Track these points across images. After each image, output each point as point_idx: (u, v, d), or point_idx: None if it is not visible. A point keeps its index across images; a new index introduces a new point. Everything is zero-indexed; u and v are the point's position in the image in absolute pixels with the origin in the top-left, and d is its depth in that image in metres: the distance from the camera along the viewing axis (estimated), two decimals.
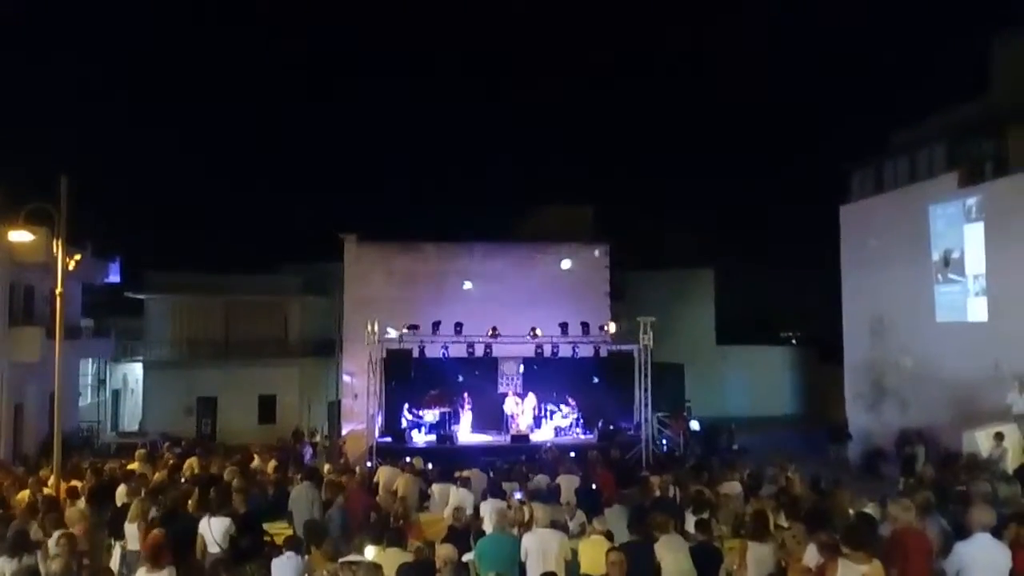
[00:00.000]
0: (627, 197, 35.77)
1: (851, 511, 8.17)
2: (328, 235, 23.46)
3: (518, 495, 9.66)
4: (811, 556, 6.48)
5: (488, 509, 8.89)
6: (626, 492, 10.41)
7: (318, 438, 22.02)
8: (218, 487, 9.30)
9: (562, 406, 19.49)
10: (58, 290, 11.72)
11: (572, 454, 15.39)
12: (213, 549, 7.76)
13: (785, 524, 7.97)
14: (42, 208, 11.83)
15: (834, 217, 21.99)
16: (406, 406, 19.17)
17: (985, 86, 18.82)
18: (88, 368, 25.93)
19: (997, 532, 6.23)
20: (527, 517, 8.43)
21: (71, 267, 13.12)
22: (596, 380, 19.85)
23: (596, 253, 23.30)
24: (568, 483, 11.27)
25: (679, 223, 33.05)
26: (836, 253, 21.86)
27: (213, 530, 7.82)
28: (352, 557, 6.66)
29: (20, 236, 12.71)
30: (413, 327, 18.61)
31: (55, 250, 11.96)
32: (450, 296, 21.91)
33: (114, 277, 24.72)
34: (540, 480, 11.43)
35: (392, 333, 18.78)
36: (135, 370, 27.46)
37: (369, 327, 17.86)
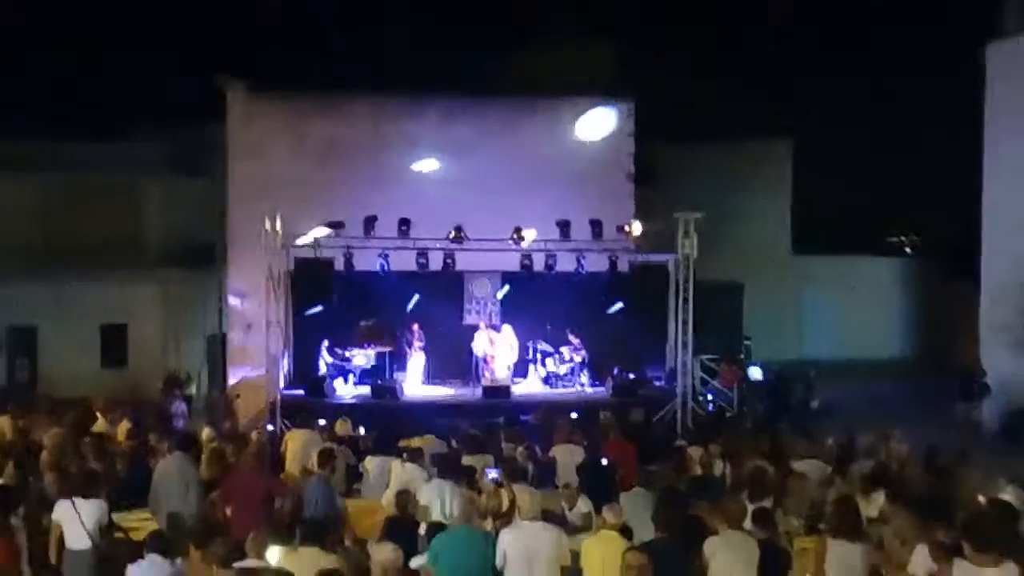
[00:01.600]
0: (663, 32, 35.04)
1: (981, 498, 8.43)
2: (203, 83, 22.94)
3: (492, 473, 9.83)
4: (921, 561, 6.71)
5: (435, 493, 9.08)
6: (652, 469, 10.64)
7: (193, 389, 22.18)
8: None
9: (561, 347, 19.69)
10: None
11: (574, 415, 15.64)
12: (80, 545, 8.07)
13: (885, 516, 8.22)
14: None
15: (975, 61, 21.80)
16: (325, 344, 19.27)
17: None
18: None
19: None
20: (505, 505, 8.61)
21: None
22: (612, 307, 20.01)
23: (616, 114, 23.08)
24: (567, 457, 11.52)
25: (740, 72, 32.64)
26: (976, 116, 21.78)
27: (83, 516, 8.20)
28: (249, 562, 6.80)
29: None
30: (335, 225, 18.49)
31: None
32: (392, 178, 21.72)
33: None
34: (525, 453, 11.64)
35: (304, 235, 18.66)
36: None
37: (267, 225, 17.71)
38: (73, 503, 8.31)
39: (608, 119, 23.00)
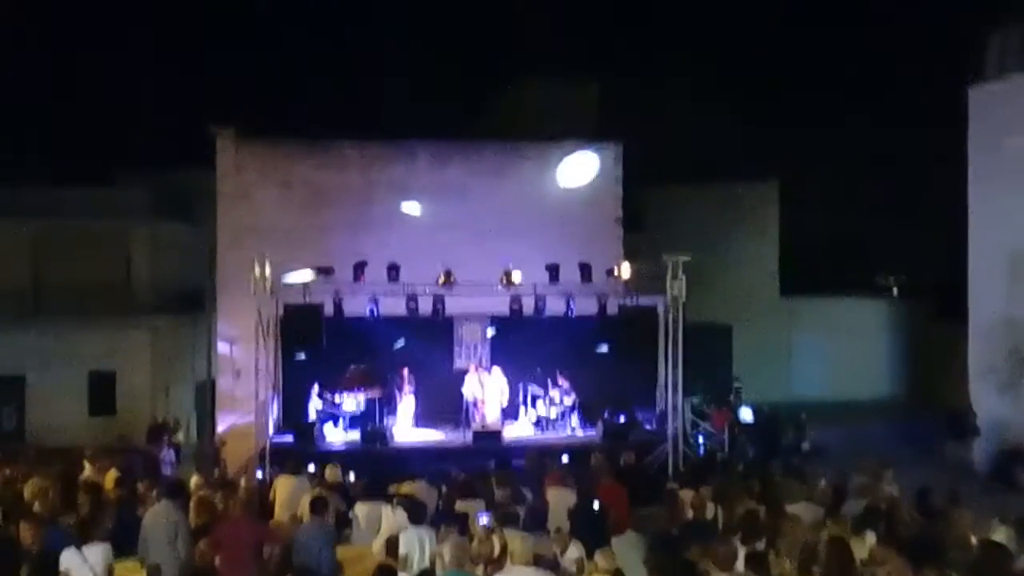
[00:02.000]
0: (650, 69, 35.33)
1: (974, 539, 8.42)
2: (192, 128, 23.06)
3: (484, 519, 9.79)
4: None
5: (413, 542, 9.03)
6: (644, 513, 10.59)
7: (181, 436, 22.07)
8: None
9: (551, 389, 19.67)
10: None
11: (565, 458, 15.58)
12: None
13: (876, 557, 8.19)
14: None
15: (959, 104, 22.07)
16: (315, 389, 19.21)
17: None
18: None
19: None
20: (497, 551, 8.57)
21: None
22: (602, 349, 20.01)
23: (603, 158, 23.23)
24: (559, 501, 11.46)
25: (729, 112, 32.93)
26: (960, 157, 22.01)
27: (92, 562, 8.36)
28: None
29: None
30: (324, 271, 18.50)
31: None
32: (381, 223, 21.80)
33: None
34: (509, 495, 11.58)
35: (293, 279, 18.66)
36: None
37: (257, 270, 17.70)
38: (79, 550, 8.41)
39: (596, 163, 23.13)
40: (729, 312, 27.41)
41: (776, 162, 31.75)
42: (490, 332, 20.87)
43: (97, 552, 8.52)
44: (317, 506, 9.79)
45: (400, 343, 19.73)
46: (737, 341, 27.26)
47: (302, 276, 18.32)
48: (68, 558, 8.43)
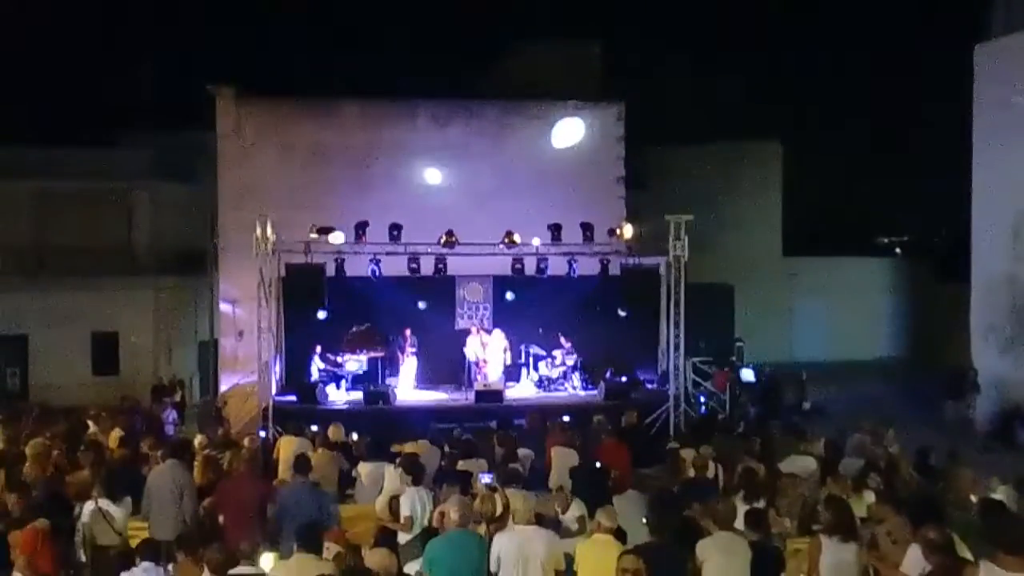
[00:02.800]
0: (652, 28, 35.08)
1: (973, 497, 8.46)
2: (192, 88, 22.95)
3: (486, 478, 9.84)
4: (913, 561, 6.73)
5: (411, 502, 9.12)
6: (646, 472, 10.68)
7: (184, 396, 22.17)
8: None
9: (554, 351, 19.70)
10: None
11: (566, 418, 15.64)
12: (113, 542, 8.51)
13: (875, 515, 8.25)
14: None
15: (964, 62, 21.91)
16: (318, 349, 19.24)
17: None
18: None
19: None
20: (499, 510, 8.61)
21: None
22: (602, 310, 20.02)
23: (605, 116, 23.12)
24: (561, 460, 11.54)
25: (730, 74, 32.72)
26: (965, 117, 21.89)
27: (114, 517, 8.78)
28: (243, 569, 6.78)
29: None
30: (325, 231, 18.46)
31: None
32: (382, 183, 21.74)
33: None
34: (519, 456, 11.65)
35: (293, 240, 18.63)
36: None
37: (258, 231, 17.66)
38: (99, 506, 8.78)
39: (598, 122, 23.02)
40: (731, 272, 27.36)
41: (779, 121, 31.63)
42: (489, 294, 20.85)
43: (122, 509, 8.88)
44: (300, 465, 9.74)
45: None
46: (739, 301, 27.23)
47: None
48: (90, 512, 8.68)
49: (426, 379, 19.86)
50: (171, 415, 18.31)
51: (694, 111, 30.33)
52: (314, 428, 13.78)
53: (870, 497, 9.07)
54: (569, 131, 22.81)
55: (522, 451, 12.15)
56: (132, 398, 19.73)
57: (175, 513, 9.32)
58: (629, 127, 23.30)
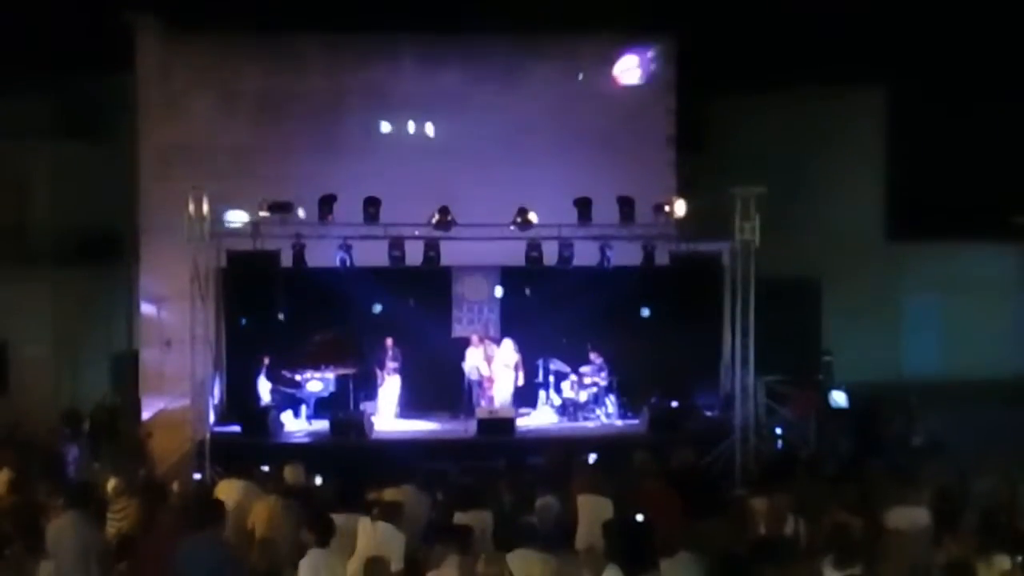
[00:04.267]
0: None
1: None
2: (106, 20, 22.94)
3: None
4: None
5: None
6: (704, 527, 10.66)
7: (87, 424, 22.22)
8: None
9: (581, 367, 19.73)
10: None
11: (595, 456, 15.68)
12: None
13: None
14: None
15: None
16: (269, 364, 19.30)
17: None
18: None
19: None
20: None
21: None
22: (647, 313, 20.04)
23: (649, 58, 23.12)
24: (590, 511, 11.55)
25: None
26: None
27: None
28: None
29: None
30: (280, 207, 18.53)
31: None
32: (356, 144, 21.82)
33: None
34: (536, 507, 11.67)
35: (238, 218, 18.70)
36: None
37: (191, 207, 17.74)
38: None
39: (642, 63, 23.01)
40: (818, 263, 27.27)
41: (882, 61, 31.47)
42: (496, 291, 20.86)
43: None
44: (206, 515, 9.63)
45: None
46: (828, 301, 27.13)
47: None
48: None
49: (413, 404, 19.96)
50: (72, 451, 18.29)
51: (767, 47, 30.22)
52: (265, 468, 13.81)
53: (1003, 563, 9.06)
54: (601, 75, 22.79)
55: (541, 500, 12.18)
56: (24, 429, 19.76)
57: None
58: (682, 69, 23.31)
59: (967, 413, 23.65)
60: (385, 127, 22.18)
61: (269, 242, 18.64)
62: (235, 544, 10.68)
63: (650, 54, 23.04)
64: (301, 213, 18.19)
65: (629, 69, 22.83)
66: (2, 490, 12.81)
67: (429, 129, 22.18)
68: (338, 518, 11.04)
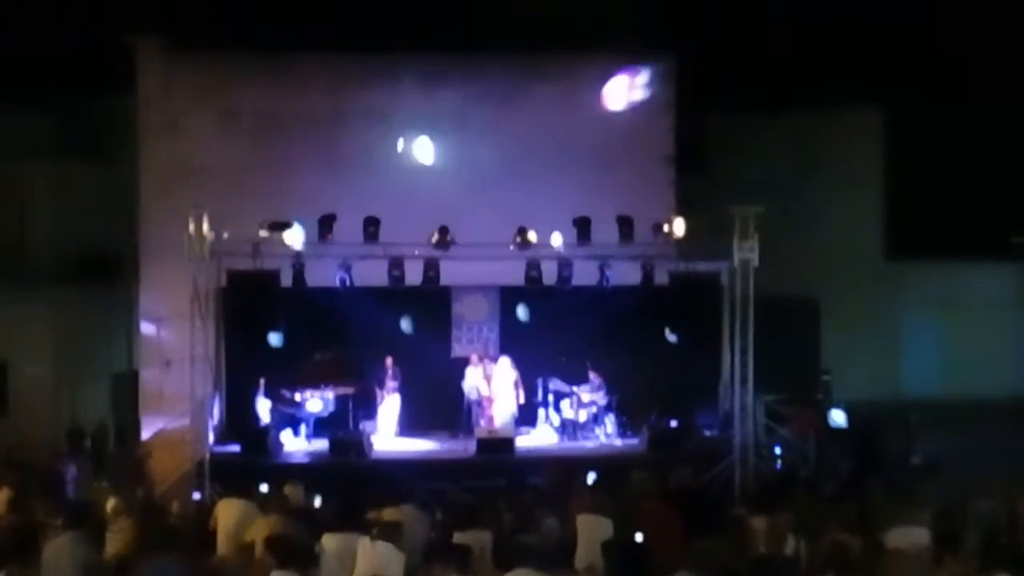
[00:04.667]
0: None
1: None
2: (106, 37, 23.01)
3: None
4: None
5: None
6: (703, 546, 10.64)
7: (88, 443, 22.16)
8: None
9: (580, 386, 19.70)
10: None
11: (592, 476, 15.66)
12: None
13: None
14: None
15: None
16: (268, 384, 19.27)
17: None
18: None
19: None
20: None
21: None
22: (645, 331, 20.03)
23: (649, 77, 23.14)
24: (589, 531, 11.52)
25: (816, 14, 32.70)
26: None
27: None
28: None
29: None
30: (279, 227, 18.53)
31: None
32: (356, 164, 21.82)
33: None
34: (541, 526, 11.66)
35: (238, 239, 18.70)
36: None
37: (192, 227, 17.75)
38: None
39: (640, 82, 23.03)
40: (816, 282, 27.26)
41: (880, 81, 31.49)
42: (495, 310, 20.86)
43: None
44: (168, 539, 9.71)
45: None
46: (827, 320, 27.11)
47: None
48: None
49: (412, 423, 19.94)
50: (71, 471, 18.25)
51: (766, 67, 30.25)
52: (264, 488, 13.80)
53: None
54: (601, 95, 22.81)
55: (545, 522, 12.16)
56: (23, 450, 19.73)
57: None
58: (682, 89, 23.33)
59: (967, 432, 23.64)
60: (384, 147, 22.05)
61: (269, 262, 18.64)
62: (235, 563, 10.69)
63: (650, 73, 23.02)
64: (300, 235, 18.18)
65: (628, 88, 22.82)
66: (1, 509, 12.78)
67: (428, 150, 22.04)
68: (337, 537, 11.06)
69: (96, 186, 26.21)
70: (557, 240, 18.84)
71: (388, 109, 22.44)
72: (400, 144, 21.83)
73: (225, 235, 18.09)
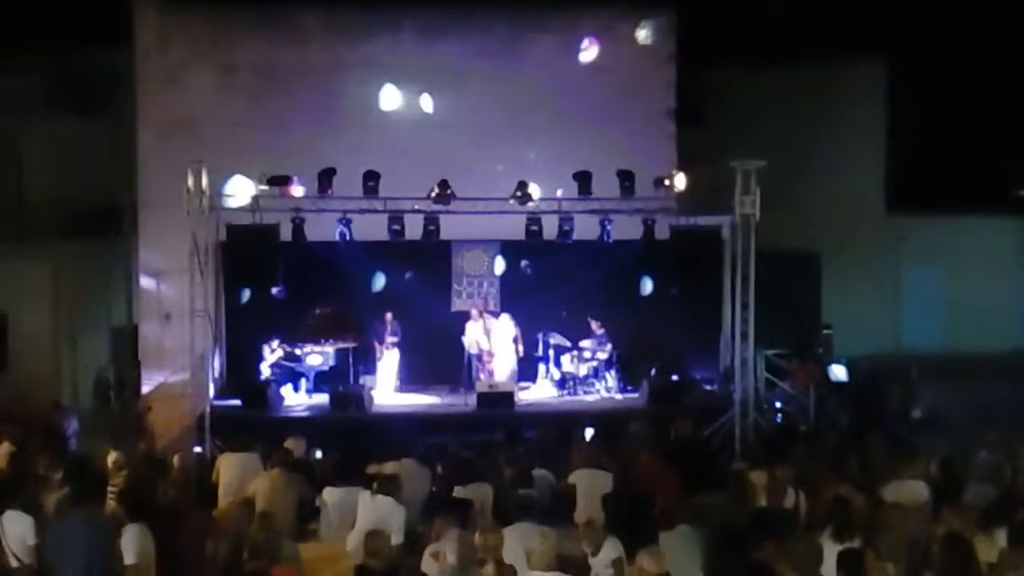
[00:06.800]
0: None
1: None
2: None
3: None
4: None
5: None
6: (703, 500, 10.68)
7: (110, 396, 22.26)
8: None
9: (581, 341, 19.72)
10: None
11: (591, 431, 15.70)
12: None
13: (1010, 562, 8.25)
14: None
15: None
16: (270, 339, 19.29)
17: None
18: None
19: None
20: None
21: None
22: (648, 286, 20.03)
23: (648, 31, 23.00)
24: (589, 485, 11.58)
25: None
26: None
27: (8, 534, 8.91)
28: None
29: None
30: (279, 181, 18.49)
31: None
32: (355, 118, 21.76)
33: None
34: (535, 479, 11.69)
35: (236, 193, 18.67)
36: None
37: (190, 181, 17.70)
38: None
39: (640, 35, 22.89)
40: (818, 236, 27.20)
41: (883, 34, 31.32)
42: (496, 265, 20.83)
43: (21, 524, 9.02)
44: (80, 487, 9.50)
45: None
46: (828, 274, 27.06)
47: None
48: None
49: (412, 378, 19.98)
50: (72, 425, 18.30)
51: (769, 20, 30.06)
52: (265, 442, 13.83)
53: (1002, 537, 9.05)
54: (602, 48, 22.67)
55: (538, 472, 12.20)
56: (25, 401, 19.77)
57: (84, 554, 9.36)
58: (683, 42, 23.20)
59: (967, 386, 23.68)
60: (384, 101, 22.00)
61: (268, 216, 18.64)
62: (236, 517, 10.72)
63: (650, 26, 22.82)
64: (300, 189, 18.15)
65: (629, 41, 22.68)
66: (2, 463, 12.81)
67: (428, 104, 22.02)
68: (337, 491, 11.11)
69: (95, 141, 26.13)
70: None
71: (388, 63, 22.31)
72: (387, 98, 21.78)
73: (224, 189, 18.07)
